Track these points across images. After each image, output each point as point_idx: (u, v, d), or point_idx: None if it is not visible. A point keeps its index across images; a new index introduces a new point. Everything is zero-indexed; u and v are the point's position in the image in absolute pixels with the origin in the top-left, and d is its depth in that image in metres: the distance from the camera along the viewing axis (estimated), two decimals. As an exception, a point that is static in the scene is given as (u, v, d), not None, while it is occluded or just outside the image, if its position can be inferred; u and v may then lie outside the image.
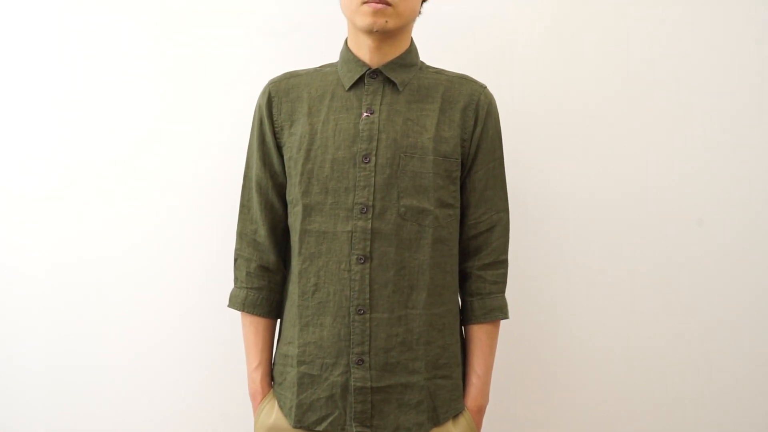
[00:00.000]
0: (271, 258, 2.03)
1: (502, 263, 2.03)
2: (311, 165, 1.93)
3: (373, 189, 1.89)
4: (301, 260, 1.96)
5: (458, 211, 1.98)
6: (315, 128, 1.95)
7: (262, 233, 2.03)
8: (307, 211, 1.94)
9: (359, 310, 1.89)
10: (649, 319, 2.46)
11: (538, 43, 2.47)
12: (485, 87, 2.00)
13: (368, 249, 1.89)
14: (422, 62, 2.03)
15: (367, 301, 1.89)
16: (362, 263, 1.89)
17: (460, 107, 1.96)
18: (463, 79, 2.00)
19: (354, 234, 1.89)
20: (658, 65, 2.43)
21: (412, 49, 1.99)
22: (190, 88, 2.49)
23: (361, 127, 1.92)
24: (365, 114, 1.92)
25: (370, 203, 1.89)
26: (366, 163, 1.90)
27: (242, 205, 2.07)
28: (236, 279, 2.07)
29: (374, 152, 1.90)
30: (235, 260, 2.07)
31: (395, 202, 1.89)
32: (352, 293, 1.89)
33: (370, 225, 1.89)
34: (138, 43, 2.48)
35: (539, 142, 2.46)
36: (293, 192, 1.97)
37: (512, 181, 2.11)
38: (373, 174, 1.89)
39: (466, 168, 1.98)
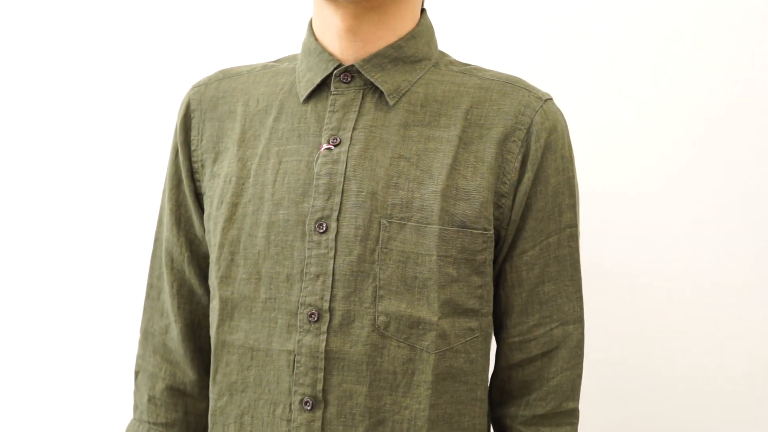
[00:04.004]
0: (188, 374, 1.24)
1: (569, 416, 1.15)
2: (236, 231, 1.13)
3: (331, 280, 1.06)
4: (217, 393, 1.16)
5: (488, 320, 1.12)
6: (247, 167, 1.14)
7: (175, 334, 1.24)
8: (228, 310, 1.14)
9: (301, 494, 1.07)
10: None
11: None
12: (547, 99, 1.12)
13: (320, 386, 1.07)
14: (442, 54, 1.18)
15: None
16: (309, 410, 1.07)
17: (497, 135, 1.09)
18: (508, 85, 1.13)
19: (298, 357, 1.07)
20: None
21: (419, 33, 1.14)
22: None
23: (317, 170, 1.08)
24: (324, 147, 1.09)
25: (325, 305, 1.06)
26: (321, 233, 1.07)
27: (149, 287, 1.28)
28: (135, 406, 1.28)
29: (335, 215, 1.07)
30: (136, 375, 1.28)
31: (369, 305, 1.06)
32: None
33: (324, 343, 1.07)
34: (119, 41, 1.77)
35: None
36: (211, 275, 1.17)
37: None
38: (331, 253, 1.07)
39: (505, 244, 1.12)
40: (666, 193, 1.59)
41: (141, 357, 1.27)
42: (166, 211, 1.24)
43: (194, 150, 1.20)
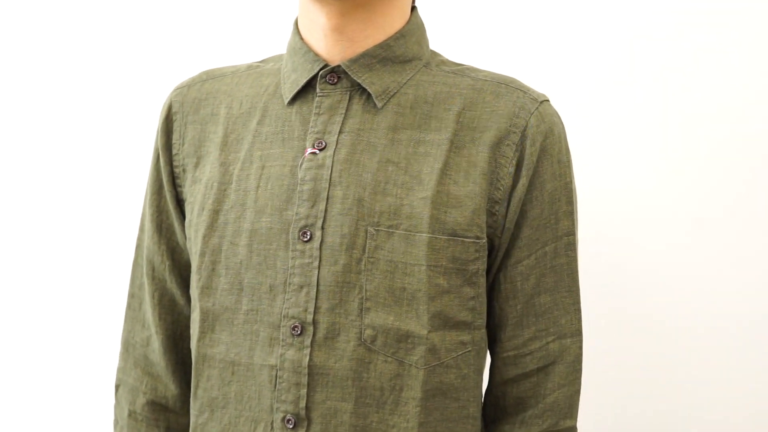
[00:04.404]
0: (170, 388, 1.19)
1: (566, 434, 1.09)
2: (217, 239, 1.08)
3: (315, 291, 1.01)
4: (198, 408, 1.11)
5: (481, 334, 1.07)
6: (229, 173, 1.09)
7: (157, 346, 1.19)
8: (209, 323, 1.09)
9: None
10: None
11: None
12: (543, 101, 1.07)
13: (303, 403, 1.02)
14: (433, 53, 1.13)
15: None
16: (292, 428, 1.02)
17: (491, 139, 1.04)
18: (502, 86, 1.07)
19: (280, 373, 1.02)
20: None
21: (409, 31, 1.09)
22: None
23: (301, 175, 1.03)
24: (309, 151, 1.04)
25: (309, 318, 1.01)
26: (305, 241, 1.02)
27: (131, 296, 1.23)
28: (115, 422, 1.23)
29: (320, 223, 1.02)
30: (116, 388, 1.23)
31: (355, 317, 1.01)
32: None
33: (307, 358, 1.01)
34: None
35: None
36: (192, 285, 1.12)
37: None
38: (315, 263, 1.01)
39: (499, 253, 1.07)
40: (665, 195, 1.53)
41: (122, 370, 1.22)
42: (147, 218, 1.19)
43: (175, 154, 1.15)
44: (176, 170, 1.15)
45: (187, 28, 1.66)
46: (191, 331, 1.12)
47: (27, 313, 1.73)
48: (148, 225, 1.19)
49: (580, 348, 1.09)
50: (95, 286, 1.71)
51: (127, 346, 1.22)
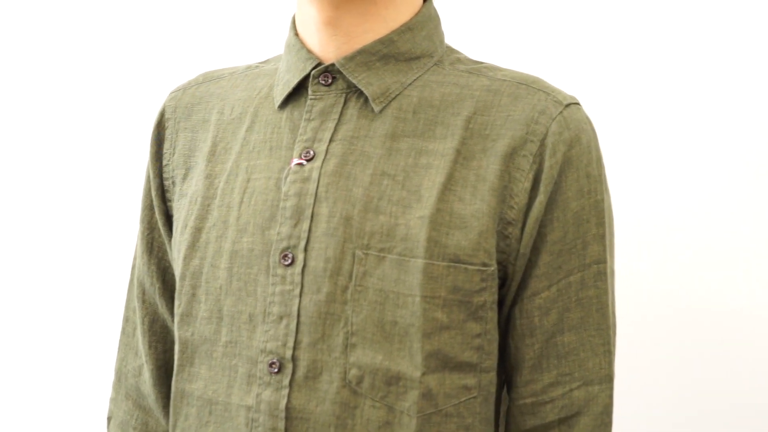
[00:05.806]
0: (161, 424, 1.09)
1: (593, 499, 0.92)
2: (198, 261, 0.96)
3: (295, 323, 0.88)
4: None
5: (491, 377, 0.91)
6: (214, 186, 0.97)
7: (147, 376, 1.08)
8: (187, 355, 0.97)
9: None
10: None
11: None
12: (569, 104, 0.91)
13: None
14: (449, 50, 0.99)
15: None
16: None
17: (504, 148, 0.89)
18: (522, 87, 0.92)
19: (255, 416, 0.89)
20: None
21: (417, 24, 0.95)
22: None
23: (284, 189, 0.91)
24: (295, 162, 0.91)
25: (288, 354, 0.88)
26: (286, 265, 0.89)
27: (125, 320, 1.13)
28: (105, 456, 1.13)
29: (302, 245, 0.89)
30: (108, 421, 1.13)
31: (339, 354, 0.88)
32: None
33: (285, 400, 0.89)
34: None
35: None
36: (174, 312, 1.01)
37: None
38: (297, 290, 0.89)
39: (513, 283, 0.91)
40: (719, 218, 1.33)
41: (113, 401, 1.12)
42: (138, 235, 1.09)
43: (166, 165, 1.04)
44: (166, 183, 1.04)
45: (191, 26, 1.60)
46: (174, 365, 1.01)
47: (29, 324, 1.69)
48: (139, 243, 1.09)
49: (610, 396, 0.92)
50: (96, 302, 1.65)
51: (120, 375, 1.12)
